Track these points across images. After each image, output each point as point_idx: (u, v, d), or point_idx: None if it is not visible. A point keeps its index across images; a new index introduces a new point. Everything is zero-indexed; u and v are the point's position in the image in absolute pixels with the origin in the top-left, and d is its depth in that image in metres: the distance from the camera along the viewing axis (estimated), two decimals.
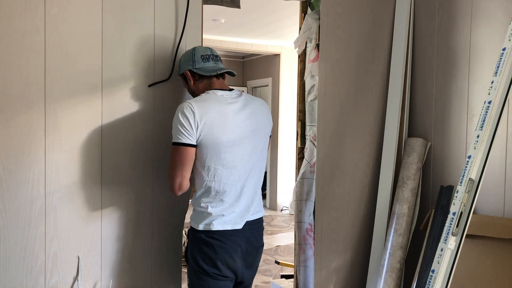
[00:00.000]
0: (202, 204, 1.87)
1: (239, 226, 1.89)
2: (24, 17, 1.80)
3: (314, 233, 2.54)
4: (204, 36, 2.27)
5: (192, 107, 1.79)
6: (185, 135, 1.78)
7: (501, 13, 2.19)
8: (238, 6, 2.39)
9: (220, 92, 1.89)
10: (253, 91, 8.15)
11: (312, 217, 2.69)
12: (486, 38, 2.26)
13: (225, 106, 1.86)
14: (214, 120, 1.81)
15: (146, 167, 2.07)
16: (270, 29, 5.70)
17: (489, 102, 1.73)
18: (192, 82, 1.95)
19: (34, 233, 1.85)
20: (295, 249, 2.81)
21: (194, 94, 1.97)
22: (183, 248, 3.32)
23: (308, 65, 2.74)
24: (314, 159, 2.63)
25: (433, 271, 1.73)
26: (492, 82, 1.75)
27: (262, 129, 1.97)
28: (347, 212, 2.57)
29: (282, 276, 3.60)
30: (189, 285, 1.95)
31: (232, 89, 1.96)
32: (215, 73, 1.91)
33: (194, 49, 1.97)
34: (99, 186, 1.97)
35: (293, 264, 3.01)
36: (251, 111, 1.92)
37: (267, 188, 7.45)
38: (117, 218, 2.02)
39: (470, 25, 2.33)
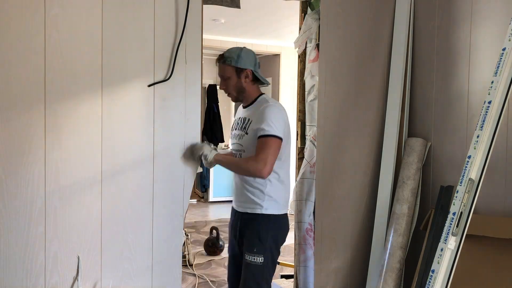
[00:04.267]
0: (280, 192, 2.11)
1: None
2: (24, 17, 1.80)
3: (314, 233, 2.54)
4: (204, 36, 2.26)
5: (283, 107, 2.11)
6: (282, 131, 2.03)
7: (501, 13, 2.19)
8: (238, 6, 2.39)
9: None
10: None
11: (312, 217, 2.68)
12: (486, 38, 2.26)
13: None
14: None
15: (146, 166, 2.07)
16: (270, 29, 5.70)
17: (489, 102, 1.73)
18: (247, 80, 2.11)
19: (34, 233, 1.85)
20: (295, 249, 2.80)
21: (239, 92, 2.13)
22: (183, 248, 3.32)
23: (308, 65, 2.74)
24: (314, 159, 2.63)
25: (433, 271, 1.73)
26: (492, 82, 1.74)
27: None
28: (347, 212, 2.57)
29: (282, 276, 3.60)
30: (263, 277, 2.06)
31: None
32: (268, 84, 2.19)
33: (253, 52, 2.14)
34: (99, 186, 1.97)
35: (293, 264, 3.01)
36: None
37: None
38: (117, 218, 2.02)
39: (470, 25, 2.33)
